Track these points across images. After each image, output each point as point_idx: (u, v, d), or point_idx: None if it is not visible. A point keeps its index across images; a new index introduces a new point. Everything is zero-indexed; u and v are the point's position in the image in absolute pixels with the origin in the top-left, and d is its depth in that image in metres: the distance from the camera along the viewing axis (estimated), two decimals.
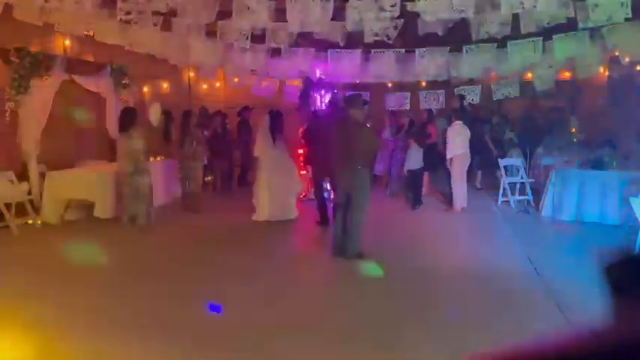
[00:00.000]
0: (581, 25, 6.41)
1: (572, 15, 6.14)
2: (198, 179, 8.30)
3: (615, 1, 5.87)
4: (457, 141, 8.06)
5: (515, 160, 9.08)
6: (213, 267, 5.38)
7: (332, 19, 6.61)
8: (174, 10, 6.43)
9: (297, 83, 10.74)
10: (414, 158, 8.39)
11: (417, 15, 6.16)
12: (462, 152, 8.13)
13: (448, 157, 8.13)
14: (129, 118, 6.83)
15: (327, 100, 8.95)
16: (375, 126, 11.83)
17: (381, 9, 5.89)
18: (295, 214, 7.65)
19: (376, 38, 6.75)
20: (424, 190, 9.15)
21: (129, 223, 6.80)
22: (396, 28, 6.69)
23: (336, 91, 9.36)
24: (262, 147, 7.48)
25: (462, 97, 9.09)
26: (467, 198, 8.33)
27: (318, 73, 9.20)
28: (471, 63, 8.29)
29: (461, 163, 8.16)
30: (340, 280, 5.11)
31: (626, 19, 6.20)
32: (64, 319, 3.99)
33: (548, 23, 6.33)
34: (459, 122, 8.14)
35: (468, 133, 8.17)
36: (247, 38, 7.17)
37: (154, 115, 8.12)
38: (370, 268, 5.13)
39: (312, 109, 8.86)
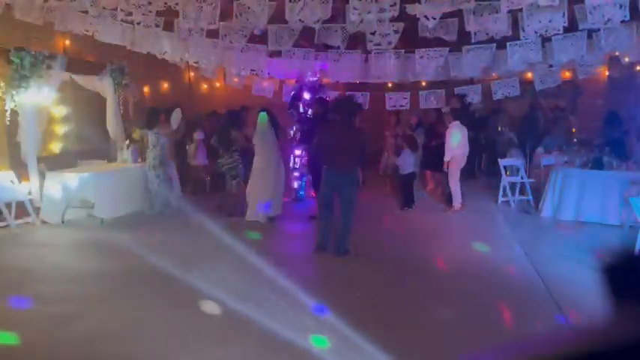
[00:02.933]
0: (580, 27, 6.42)
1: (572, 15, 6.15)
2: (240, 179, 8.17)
3: (613, 3, 5.87)
4: (456, 141, 8.06)
5: (515, 160, 9.08)
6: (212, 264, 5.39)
7: (332, 22, 6.64)
8: (176, 11, 6.43)
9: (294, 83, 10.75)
10: (407, 162, 8.41)
11: (417, 18, 6.16)
12: (461, 152, 8.13)
13: (446, 157, 8.08)
14: (155, 116, 7.87)
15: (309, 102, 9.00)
16: (378, 126, 11.89)
17: (381, 10, 5.89)
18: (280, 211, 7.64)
19: (378, 48, 6.81)
20: (429, 187, 9.17)
21: (151, 212, 7.70)
22: (397, 32, 6.70)
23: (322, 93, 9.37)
24: (259, 145, 7.48)
25: (462, 97, 9.07)
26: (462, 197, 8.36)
27: (312, 76, 9.20)
28: (471, 63, 8.28)
29: (458, 163, 8.16)
30: (336, 279, 5.11)
31: (624, 21, 6.21)
32: (64, 317, 4.00)
33: (546, 32, 6.33)
34: (457, 122, 8.13)
35: (466, 132, 8.16)
36: (246, 37, 7.17)
37: (174, 120, 8.51)
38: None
39: (301, 110, 8.97)
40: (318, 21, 6.33)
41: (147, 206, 7.92)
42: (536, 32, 6.35)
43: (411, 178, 8.54)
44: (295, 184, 9.17)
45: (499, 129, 11.58)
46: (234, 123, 7.99)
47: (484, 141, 11.79)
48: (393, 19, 6.42)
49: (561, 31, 6.42)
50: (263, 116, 7.47)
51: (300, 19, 6.16)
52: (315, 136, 6.20)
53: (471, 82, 9.95)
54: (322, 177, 5.91)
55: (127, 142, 8.80)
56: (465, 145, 8.16)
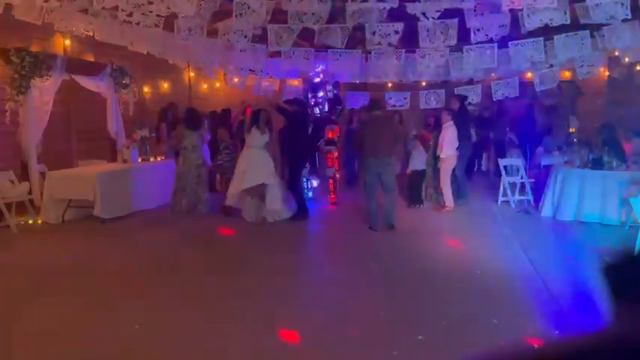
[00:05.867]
0: (581, 25, 6.42)
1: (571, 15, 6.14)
2: None
3: (614, 2, 5.87)
4: (450, 141, 8.09)
5: (515, 160, 9.08)
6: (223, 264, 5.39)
7: (332, 22, 6.63)
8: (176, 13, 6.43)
9: (297, 83, 10.75)
10: (418, 159, 8.44)
11: (417, 18, 6.15)
12: (453, 153, 8.16)
13: (442, 156, 8.15)
14: (198, 118, 8.06)
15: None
16: None
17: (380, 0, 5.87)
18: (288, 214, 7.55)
19: (378, 46, 6.82)
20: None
21: (177, 212, 7.74)
22: (397, 32, 6.69)
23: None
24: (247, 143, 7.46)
25: (462, 98, 9.05)
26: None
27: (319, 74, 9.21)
28: (471, 63, 8.28)
29: (451, 163, 8.20)
30: (336, 283, 5.11)
31: (625, 20, 6.21)
32: (63, 318, 4.00)
33: (548, 23, 6.32)
34: (451, 122, 8.16)
35: (456, 133, 8.19)
36: (246, 37, 7.16)
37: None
38: None
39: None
40: (318, 21, 6.33)
41: (177, 204, 7.84)
42: (540, 20, 6.34)
43: (420, 176, 8.54)
44: None
45: (507, 129, 11.60)
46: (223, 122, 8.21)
47: (493, 141, 11.83)
48: (393, 18, 6.42)
49: (562, 29, 6.41)
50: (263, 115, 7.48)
51: (298, 17, 6.15)
52: (356, 131, 7.25)
53: (470, 82, 9.95)
54: (364, 166, 6.99)
55: (128, 142, 8.80)
56: (455, 146, 8.18)
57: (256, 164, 7.27)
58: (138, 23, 6.50)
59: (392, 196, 6.93)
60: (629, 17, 6.04)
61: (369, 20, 6.44)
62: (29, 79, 7.36)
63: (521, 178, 8.66)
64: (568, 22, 6.26)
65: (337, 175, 8.87)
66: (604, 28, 6.94)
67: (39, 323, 3.92)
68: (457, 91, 9.57)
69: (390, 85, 11.37)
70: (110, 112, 9.23)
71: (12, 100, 7.28)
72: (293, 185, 7.68)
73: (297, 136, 7.77)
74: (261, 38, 7.70)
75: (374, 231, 6.83)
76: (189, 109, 8.36)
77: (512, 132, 11.55)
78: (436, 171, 8.52)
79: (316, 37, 7.21)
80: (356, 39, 7.74)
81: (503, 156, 9.85)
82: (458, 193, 8.57)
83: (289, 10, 6.12)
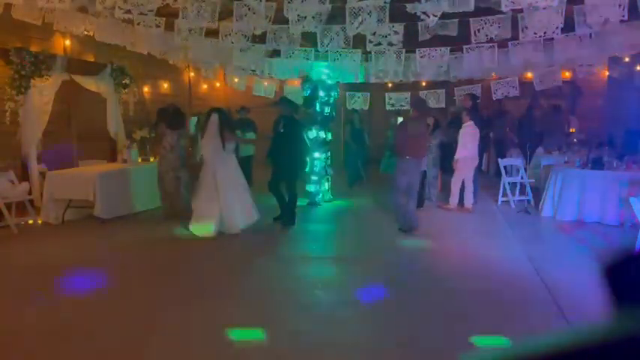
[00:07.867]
0: (577, 27, 6.41)
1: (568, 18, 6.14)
2: None
3: (611, 3, 5.86)
4: (468, 142, 8.00)
5: (515, 160, 9.08)
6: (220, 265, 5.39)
7: (331, 23, 6.63)
8: (176, 11, 6.42)
9: (298, 83, 10.75)
10: None
11: (418, 17, 6.14)
12: (471, 154, 8.09)
13: (456, 157, 8.05)
14: (181, 117, 7.79)
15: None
16: (378, 126, 11.89)
17: None
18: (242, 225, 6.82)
19: (377, 48, 6.81)
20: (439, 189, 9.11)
21: (165, 217, 7.42)
22: (397, 33, 6.68)
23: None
24: (208, 149, 6.75)
25: (474, 97, 8.97)
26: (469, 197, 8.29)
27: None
28: (471, 63, 8.27)
29: (467, 165, 8.12)
30: (341, 280, 5.11)
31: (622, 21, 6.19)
32: (63, 318, 4.00)
33: (545, 33, 6.32)
34: (471, 123, 8.06)
35: (478, 134, 8.09)
36: (246, 38, 7.15)
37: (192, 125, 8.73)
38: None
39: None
40: (318, 25, 6.31)
41: (166, 209, 7.53)
42: (535, 33, 6.34)
43: (421, 178, 8.50)
44: (312, 188, 8.86)
45: (506, 129, 11.60)
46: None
47: (493, 141, 11.84)
48: (393, 19, 6.40)
49: (560, 32, 6.40)
50: (214, 117, 6.82)
51: (298, 16, 6.14)
52: (398, 130, 7.03)
53: (470, 82, 9.95)
54: (401, 167, 6.69)
55: (128, 142, 8.81)
56: (475, 147, 8.06)
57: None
58: (139, 23, 6.49)
59: (415, 196, 6.88)
60: (626, 18, 6.03)
61: (370, 23, 6.42)
62: (29, 79, 7.35)
63: (521, 178, 8.66)
64: (562, 25, 6.25)
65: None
66: (601, 29, 6.93)
67: (40, 323, 3.92)
68: (457, 91, 9.56)
69: (390, 85, 11.37)
70: (110, 112, 9.23)
71: (12, 100, 7.27)
72: (273, 189, 7.28)
73: (289, 140, 7.33)
74: (262, 38, 7.69)
75: (404, 232, 6.74)
76: (174, 108, 7.96)
77: (512, 132, 11.58)
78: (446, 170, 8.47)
79: (319, 42, 7.19)
80: (356, 39, 7.74)
81: (503, 156, 9.86)
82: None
83: (290, 16, 6.09)
